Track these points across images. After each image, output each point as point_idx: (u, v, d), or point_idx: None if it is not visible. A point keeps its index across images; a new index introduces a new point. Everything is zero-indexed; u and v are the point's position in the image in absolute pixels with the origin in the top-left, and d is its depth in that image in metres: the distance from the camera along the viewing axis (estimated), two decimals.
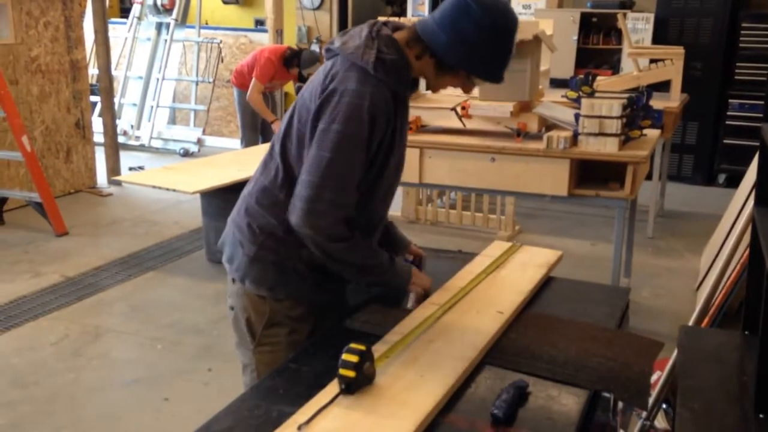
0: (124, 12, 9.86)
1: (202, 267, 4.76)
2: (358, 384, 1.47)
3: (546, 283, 2.21)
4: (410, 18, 7.01)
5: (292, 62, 5.99)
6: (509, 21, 1.77)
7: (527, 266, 2.25)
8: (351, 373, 1.46)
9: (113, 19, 9.03)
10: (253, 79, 5.95)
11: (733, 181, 6.24)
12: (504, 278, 2.16)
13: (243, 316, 1.93)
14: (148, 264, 4.79)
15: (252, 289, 1.90)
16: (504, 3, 1.78)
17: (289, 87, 8.05)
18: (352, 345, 1.50)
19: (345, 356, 1.48)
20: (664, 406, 2.71)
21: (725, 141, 6.94)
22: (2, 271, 4.63)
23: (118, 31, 8.58)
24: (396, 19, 1.86)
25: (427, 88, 2.01)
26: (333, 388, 1.49)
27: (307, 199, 1.71)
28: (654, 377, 2.62)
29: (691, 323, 2.69)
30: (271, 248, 1.86)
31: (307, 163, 1.73)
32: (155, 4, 8.29)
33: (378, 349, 1.63)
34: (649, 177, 4.85)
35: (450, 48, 1.73)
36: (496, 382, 1.60)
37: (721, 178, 7.08)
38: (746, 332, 2.02)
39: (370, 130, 1.70)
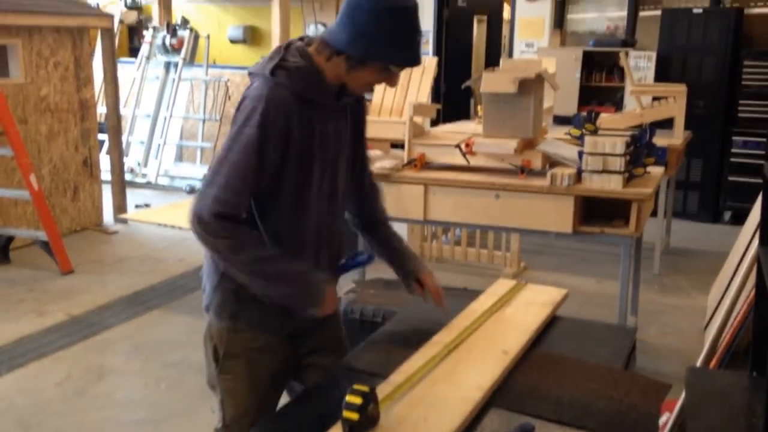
0: (133, 51, 10.01)
1: None
2: (362, 426, 1.46)
3: (552, 322, 2.20)
4: None
5: None
6: (400, 1, 1.75)
7: (532, 305, 2.24)
8: (354, 416, 1.44)
9: (122, 59, 9.16)
10: None
11: (739, 219, 6.22)
12: (509, 317, 2.15)
13: (210, 343, 1.97)
14: (153, 302, 4.78)
15: (214, 319, 1.94)
16: None
17: None
18: (356, 386, 1.48)
19: (348, 398, 1.46)
20: None
21: (730, 178, 6.94)
22: (7, 310, 4.62)
23: (126, 70, 8.69)
24: (310, 36, 1.92)
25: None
26: (336, 430, 1.48)
27: (198, 192, 1.78)
28: (662, 419, 2.59)
29: (698, 364, 2.67)
30: (230, 277, 1.86)
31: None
32: (164, 44, 8.40)
33: (382, 390, 1.62)
34: (654, 214, 4.85)
35: (351, 41, 1.74)
36: (502, 425, 1.59)
37: (727, 215, 7.07)
38: (754, 373, 2.00)
39: (262, 131, 1.72)
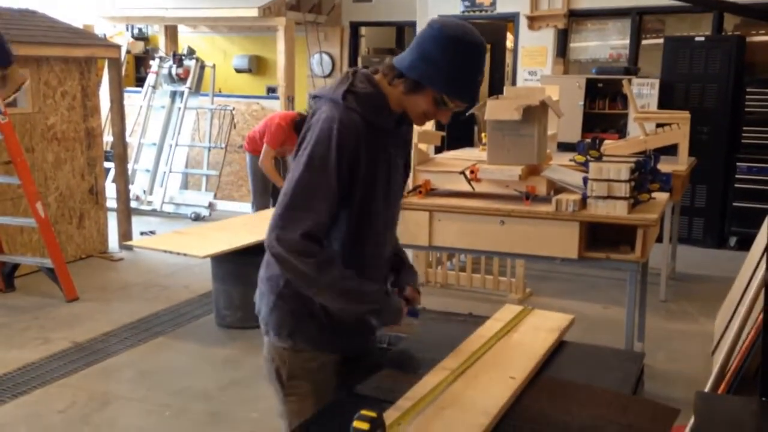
0: (140, 81, 10.11)
1: (211, 332, 4.74)
2: None
3: (559, 347, 2.19)
4: None
5: (302, 128, 6.09)
6: (470, 37, 1.79)
7: (539, 330, 2.23)
8: (365, 426, 1.44)
9: (129, 88, 9.25)
10: (265, 145, 6.05)
11: (745, 244, 6.21)
12: (516, 342, 2.14)
13: (273, 366, 1.98)
14: (158, 329, 4.77)
15: (275, 339, 1.96)
16: (468, 26, 1.81)
17: None
18: (363, 412, 1.48)
19: (356, 424, 1.46)
20: None
21: (735, 204, 6.94)
22: (12, 337, 4.62)
23: (133, 99, 8.77)
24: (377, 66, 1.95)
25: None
26: None
27: (276, 216, 1.77)
28: None
29: (707, 389, 2.64)
30: (287, 296, 1.91)
31: (285, 187, 1.81)
32: (170, 74, 8.49)
33: (390, 416, 1.61)
34: (659, 240, 4.84)
35: (412, 64, 1.79)
36: None
37: (733, 240, 7.05)
38: (763, 398, 1.99)
39: (338, 152, 1.75)
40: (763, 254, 3.17)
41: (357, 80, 1.84)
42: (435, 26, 1.80)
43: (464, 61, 1.79)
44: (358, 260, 1.89)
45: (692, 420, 2.32)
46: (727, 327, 4.01)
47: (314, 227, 1.75)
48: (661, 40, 7.47)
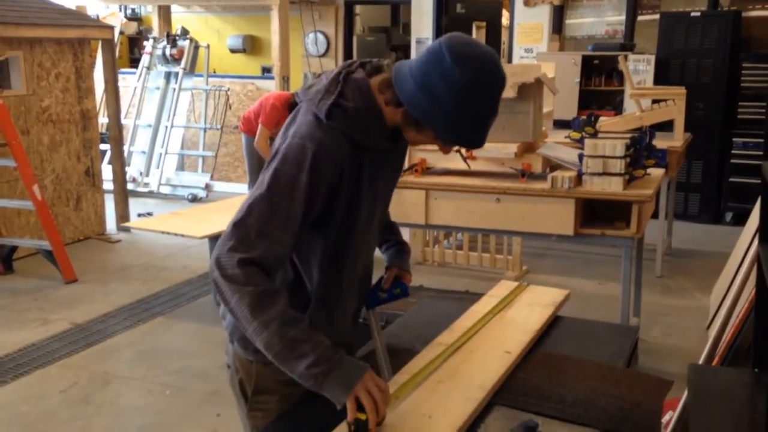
0: (134, 62, 10.06)
1: (210, 312, 4.76)
2: (369, 426, 1.47)
3: (554, 322, 2.21)
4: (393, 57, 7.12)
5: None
6: (486, 77, 1.49)
7: (534, 306, 2.25)
8: (362, 416, 1.46)
9: (123, 70, 9.21)
10: (260, 126, 6.04)
11: (740, 219, 6.24)
12: (511, 318, 2.16)
13: (236, 377, 1.77)
14: (157, 309, 4.80)
15: (240, 350, 1.73)
16: (488, 57, 1.50)
17: None
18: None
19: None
20: None
21: (731, 179, 6.95)
22: (12, 319, 4.64)
23: (127, 80, 8.74)
24: (377, 60, 1.65)
25: None
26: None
27: (225, 234, 1.52)
28: (666, 418, 2.59)
29: (701, 362, 2.68)
30: None
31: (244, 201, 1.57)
32: (164, 55, 8.44)
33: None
34: (655, 216, 4.86)
35: (414, 98, 1.50)
36: (505, 423, 1.60)
37: (728, 216, 7.08)
38: (756, 370, 2.01)
39: (311, 180, 1.50)
40: (758, 229, 3.19)
41: (348, 89, 1.55)
42: (448, 60, 1.46)
43: (476, 108, 1.50)
44: (336, 285, 1.69)
45: (686, 392, 2.35)
46: (722, 302, 4.05)
47: (260, 254, 1.47)
48: (657, 16, 7.44)
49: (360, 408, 1.45)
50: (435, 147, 1.62)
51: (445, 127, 1.52)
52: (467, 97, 1.47)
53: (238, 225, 1.50)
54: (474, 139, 1.56)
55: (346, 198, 1.58)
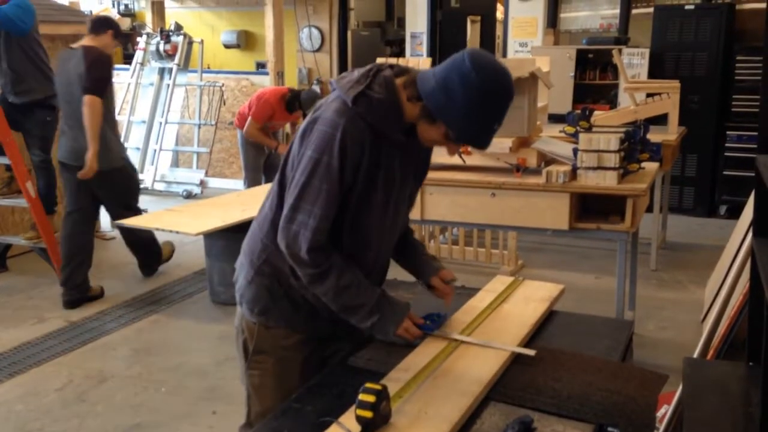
0: (127, 58, 10.02)
1: (205, 309, 4.76)
2: (375, 424, 1.47)
3: (549, 316, 2.22)
4: (410, 59, 7.10)
5: (294, 105, 6.09)
6: (498, 86, 1.72)
7: (530, 300, 2.26)
8: (368, 414, 1.46)
9: (116, 66, 9.16)
10: (249, 118, 6.05)
11: (735, 212, 6.25)
12: (507, 313, 2.16)
13: (241, 336, 2.00)
14: (152, 307, 4.79)
15: (246, 313, 1.96)
16: (502, 72, 1.73)
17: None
18: (368, 384, 1.49)
19: (362, 396, 1.48)
20: None
21: (725, 172, 6.96)
22: (6, 317, 4.63)
23: (121, 77, 8.69)
24: (404, 62, 1.87)
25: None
26: (336, 429, 1.49)
27: (286, 218, 1.77)
28: (661, 412, 2.60)
29: (695, 355, 2.68)
30: (266, 273, 1.91)
31: (290, 187, 1.79)
32: (158, 50, 8.41)
33: (390, 389, 1.62)
34: (650, 209, 4.87)
35: (432, 93, 1.72)
36: (501, 418, 1.60)
37: (723, 209, 7.09)
38: (750, 363, 2.02)
39: (341, 159, 1.72)
40: (752, 222, 3.20)
41: (375, 83, 1.76)
42: (467, 65, 1.68)
43: (485, 110, 1.72)
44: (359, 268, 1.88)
45: (681, 385, 2.36)
46: (716, 295, 4.06)
47: (321, 236, 1.76)
48: (651, 9, 7.44)
49: (364, 405, 1.46)
50: (436, 147, 1.82)
51: (455, 121, 1.73)
52: (478, 99, 1.69)
53: (295, 210, 1.75)
54: (478, 138, 1.78)
55: (365, 174, 1.77)
